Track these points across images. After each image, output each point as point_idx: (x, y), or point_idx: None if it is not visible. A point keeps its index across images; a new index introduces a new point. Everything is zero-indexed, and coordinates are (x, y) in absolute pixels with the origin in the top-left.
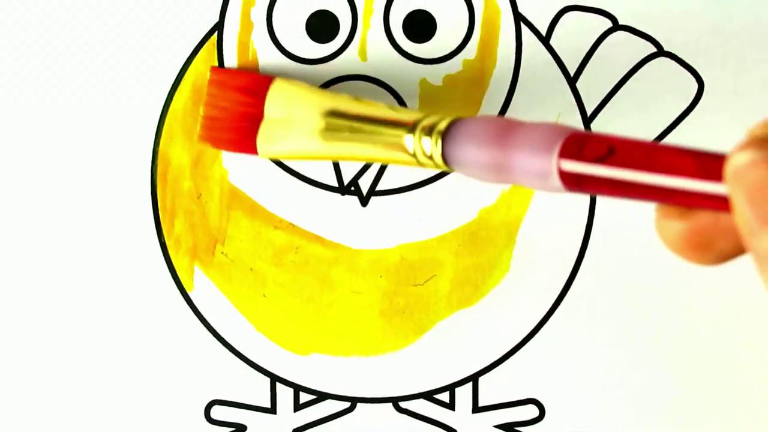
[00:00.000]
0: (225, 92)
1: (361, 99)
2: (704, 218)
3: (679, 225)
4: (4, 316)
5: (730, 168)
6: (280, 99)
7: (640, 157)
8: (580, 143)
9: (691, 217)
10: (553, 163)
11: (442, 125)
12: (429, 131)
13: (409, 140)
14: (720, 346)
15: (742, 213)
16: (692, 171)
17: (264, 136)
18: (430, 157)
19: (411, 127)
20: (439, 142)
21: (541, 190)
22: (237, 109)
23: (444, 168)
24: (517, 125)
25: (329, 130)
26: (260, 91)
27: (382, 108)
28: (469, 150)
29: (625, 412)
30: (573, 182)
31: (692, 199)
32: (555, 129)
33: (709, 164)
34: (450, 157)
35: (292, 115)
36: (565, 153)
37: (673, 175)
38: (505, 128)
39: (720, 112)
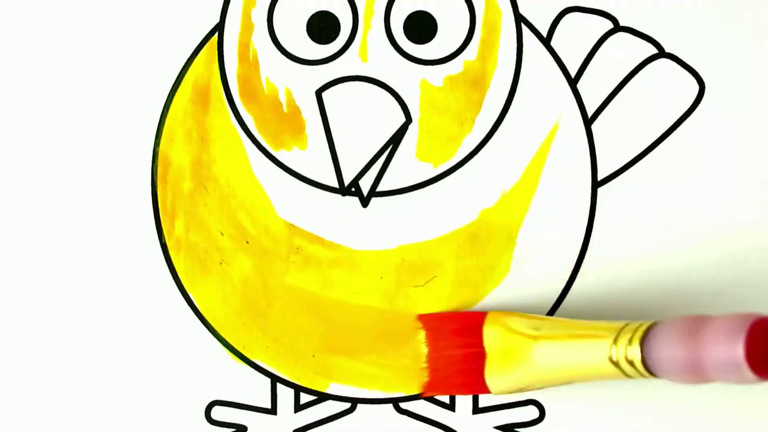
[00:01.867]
0: (444, 337)
1: (564, 321)
2: None
3: None
4: (4, 316)
5: None
6: (494, 333)
7: None
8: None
9: None
10: (740, 353)
11: (642, 331)
12: (630, 341)
13: (613, 353)
14: None
15: None
16: None
17: (491, 373)
18: (632, 363)
19: (614, 339)
20: (638, 349)
21: (741, 384)
22: (460, 352)
23: (648, 376)
24: (707, 319)
25: (543, 359)
26: (476, 330)
27: (584, 327)
28: (665, 353)
29: (624, 413)
30: (764, 370)
31: None
32: (741, 317)
33: None
34: (650, 362)
35: (509, 350)
36: (753, 340)
37: None
38: (697, 324)
39: (721, 113)
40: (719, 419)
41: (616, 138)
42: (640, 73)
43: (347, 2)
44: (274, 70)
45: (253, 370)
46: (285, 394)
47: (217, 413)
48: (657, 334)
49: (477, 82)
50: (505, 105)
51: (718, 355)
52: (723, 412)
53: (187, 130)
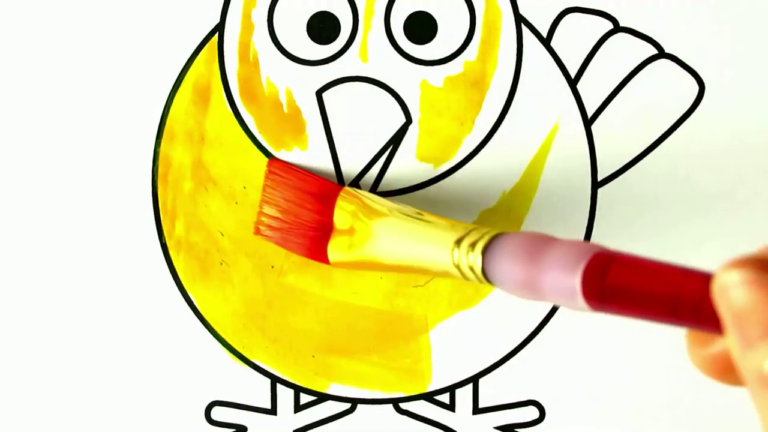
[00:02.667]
0: (290, 192)
1: (421, 213)
2: (724, 344)
3: (704, 351)
4: (4, 316)
5: (716, 285)
6: (345, 210)
7: (655, 277)
8: (606, 263)
9: (714, 344)
10: (577, 283)
11: (485, 240)
12: (472, 246)
13: (455, 254)
14: None
15: (729, 333)
16: (702, 291)
17: (334, 247)
18: (472, 270)
19: (457, 241)
20: (479, 257)
21: (570, 308)
22: (306, 215)
23: (486, 283)
24: (551, 242)
25: (388, 244)
26: (330, 199)
27: (436, 223)
28: (505, 267)
29: (624, 413)
30: (597, 301)
31: (700, 321)
32: (582, 247)
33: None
34: (489, 273)
35: (357, 228)
36: (589, 273)
37: (681, 295)
38: (539, 245)
39: (721, 113)
40: (719, 419)
41: (616, 138)
42: (640, 73)
43: (347, 2)
44: (274, 70)
45: (253, 370)
46: (285, 395)
47: (217, 413)
48: (500, 247)
49: (477, 83)
50: (505, 105)
51: (556, 280)
52: (723, 412)
53: (187, 131)
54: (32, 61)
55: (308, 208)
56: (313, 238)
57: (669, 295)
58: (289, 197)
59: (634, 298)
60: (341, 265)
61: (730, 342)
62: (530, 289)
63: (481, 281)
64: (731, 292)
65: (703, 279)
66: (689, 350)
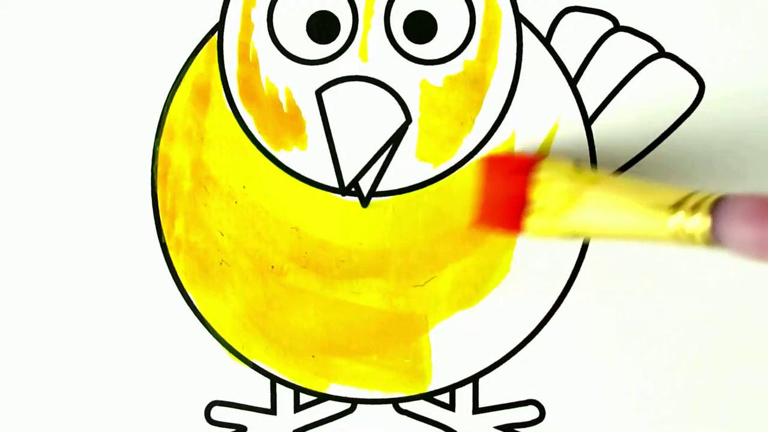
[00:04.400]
0: (496, 177)
1: (617, 178)
2: None
3: None
4: (4, 316)
5: None
6: (545, 182)
7: None
8: None
9: None
10: None
11: (710, 202)
12: (694, 209)
13: (673, 220)
14: (720, 346)
15: None
16: None
17: (534, 218)
18: (692, 236)
19: (675, 205)
20: (708, 219)
21: None
22: (507, 192)
23: (707, 246)
24: None
25: (591, 211)
26: (527, 173)
27: (640, 188)
28: (738, 228)
29: (624, 413)
30: None
31: None
32: None
33: None
34: (720, 235)
35: (556, 199)
36: None
37: None
38: None
39: (721, 112)
40: (719, 419)
41: (616, 138)
42: (640, 73)
43: (347, 2)
44: (274, 70)
45: (253, 370)
46: (285, 395)
47: (217, 413)
48: (730, 208)
49: (477, 82)
50: (505, 105)
51: None
52: (723, 413)
53: (187, 130)
54: (32, 61)
55: (506, 185)
56: (510, 212)
57: None
58: (488, 182)
59: None
60: (541, 234)
61: None
62: (761, 251)
63: (707, 243)
64: None
65: None
66: None
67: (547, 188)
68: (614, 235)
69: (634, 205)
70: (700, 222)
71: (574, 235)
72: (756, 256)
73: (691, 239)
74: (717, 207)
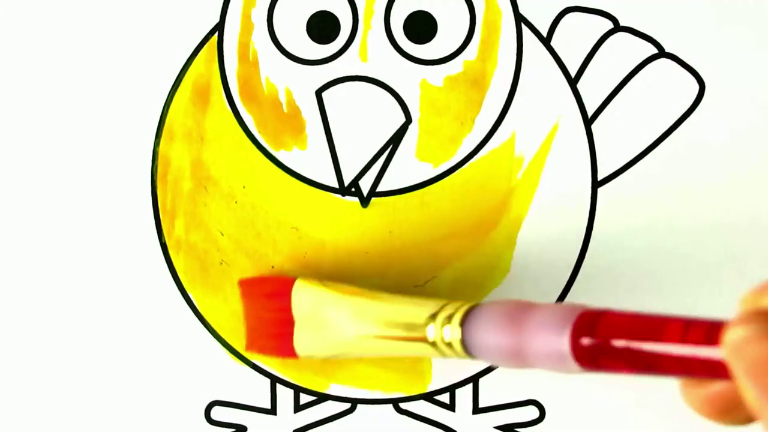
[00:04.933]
0: (255, 300)
1: (378, 295)
2: (723, 385)
3: (700, 392)
4: (4, 316)
5: (728, 343)
6: (303, 301)
7: (646, 331)
8: (593, 321)
9: (710, 384)
10: (565, 344)
11: (462, 312)
12: (449, 319)
13: (430, 331)
14: None
15: (745, 388)
16: (699, 340)
17: (299, 340)
18: (450, 345)
19: (432, 316)
20: (458, 330)
21: (559, 372)
22: (269, 315)
23: (465, 356)
24: (532, 307)
25: (356, 333)
26: (285, 294)
27: (402, 301)
28: (487, 336)
29: (624, 413)
30: (588, 361)
31: (700, 370)
32: (566, 309)
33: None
34: (470, 345)
35: (319, 319)
36: (577, 332)
37: (679, 345)
38: (521, 311)
39: (721, 113)
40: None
41: (616, 138)
42: (640, 73)
43: (347, 2)
44: (274, 70)
45: (252, 370)
46: (285, 395)
47: (217, 413)
48: (479, 317)
49: (477, 82)
50: (505, 105)
51: (543, 345)
52: None
53: (187, 130)
54: (32, 61)
55: (266, 308)
56: (276, 337)
57: (662, 348)
58: (248, 306)
59: (626, 354)
60: (313, 356)
61: (747, 395)
62: (516, 358)
63: (460, 356)
64: (746, 349)
65: (701, 327)
66: (683, 391)
67: (304, 310)
68: (379, 351)
69: (392, 318)
70: (453, 332)
71: (344, 356)
72: (507, 364)
73: (450, 350)
74: (468, 315)
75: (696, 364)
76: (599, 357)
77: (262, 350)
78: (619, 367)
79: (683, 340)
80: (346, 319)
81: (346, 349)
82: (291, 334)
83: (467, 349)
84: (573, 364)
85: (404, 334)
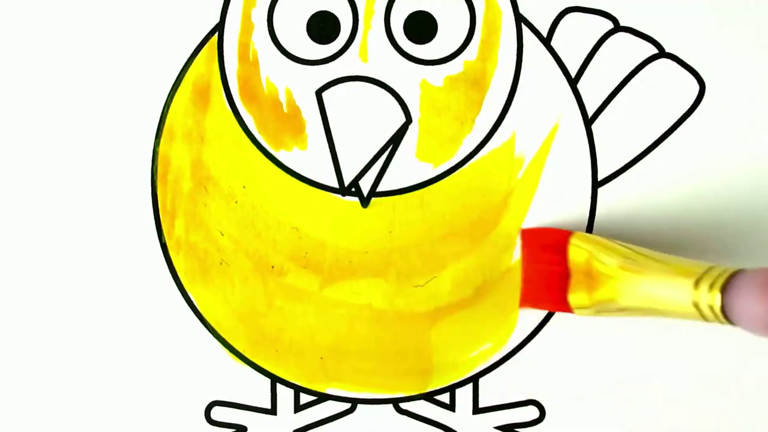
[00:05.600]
0: (533, 251)
1: (647, 256)
2: None
3: None
4: (4, 316)
5: None
6: (579, 256)
7: None
8: None
9: None
10: None
11: (723, 278)
12: (711, 286)
13: (695, 295)
14: (720, 346)
15: None
16: None
17: (575, 296)
18: (712, 309)
19: (696, 282)
20: (718, 296)
21: None
22: (547, 268)
23: (726, 323)
24: None
25: (628, 288)
26: (561, 248)
27: (673, 264)
28: (745, 305)
29: (624, 413)
30: None
31: None
32: None
33: None
34: (729, 312)
35: (594, 274)
36: None
37: None
38: None
39: (721, 113)
40: (719, 420)
41: (616, 138)
42: (640, 73)
43: (347, 2)
44: (274, 70)
45: (253, 370)
46: (285, 395)
47: (217, 413)
48: (739, 285)
49: (477, 82)
50: (505, 105)
51: None
52: (722, 413)
53: (187, 130)
54: (32, 61)
55: (544, 261)
56: (553, 290)
57: None
58: (527, 257)
59: None
60: (585, 312)
61: None
62: None
63: (722, 321)
64: None
65: None
66: None
67: (584, 264)
68: (642, 313)
69: (661, 280)
70: (714, 298)
71: (610, 312)
72: (763, 334)
73: (712, 315)
74: (729, 283)
75: None
76: None
77: (538, 303)
78: None
79: None
80: (620, 276)
81: (617, 306)
82: (566, 288)
83: (728, 316)
84: None
85: (671, 295)
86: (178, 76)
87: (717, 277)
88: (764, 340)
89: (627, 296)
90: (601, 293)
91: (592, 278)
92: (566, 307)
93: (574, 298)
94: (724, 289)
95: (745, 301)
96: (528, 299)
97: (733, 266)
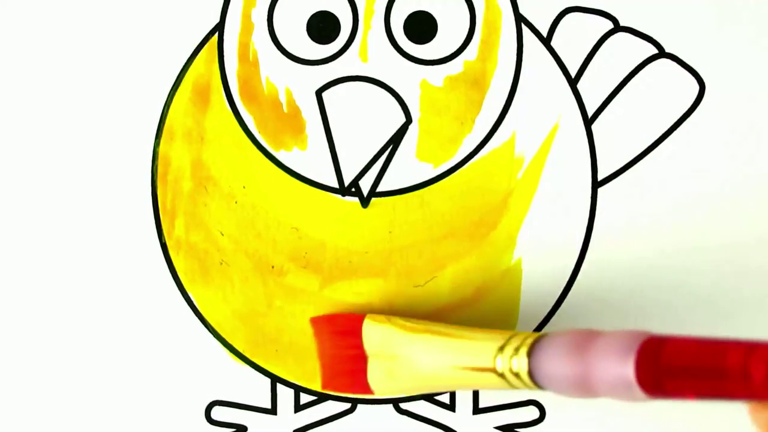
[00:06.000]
0: (326, 339)
1: (444, 329)
2: None
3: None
4: (4, 316)
5: None
6: (374, 334)
7: (711, 355)
8: (656, 347)
9: None
10: (630, 371)
11: (528, 343)
12: (516, 350)
13: (499, 362)
14: None
15: None
16: (761, 368)
17: (373, 376)
18: (518, 376)
19: (500, 348)
20: (525, 360)
21: (625, 400)
22: (342, 353)
23: (534, 387)
24: (597, 336)
25: (427, 369)
26: (356, 332)
27: (470, 334)
28: (553, 366)
29: (624, 414)
30: (654, 388)
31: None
32: (631, 336)
33: None
34: (537, 376)
35: (390, 356)
36: (641, 359)
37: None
38: (585, 340)
39: (721, 113)
40: (718, 420)
41: (616, 138)
42: (640, 73)
43: (347, 2)
44: (274, 70)
45: (253, 370)
46: (285, 394)
47: (217, 413)
48: (545, 347)
49: (477, 82)
50: (505, 105)
51: (608, 373)
52: (722, 414)
53: (187, 130)
54: (32, 61)
55: (340, 346)
56: (351, 373)
57: (728, 372)
58: (321, 345)
59: (690, 379)
60: (388, 394)
61: None
62: (582, 387)
63: (529, 386)
64: None
65: (762, 353)
66: (751, 413)
67: (375, 346)
68: (450, 385)
69: (462, 351)
70: (520, 363)
71: (414, 389)
72: (574, 394)
73: (519, 381)
74: (535, 346)
75: (760, 391)
76: (665, 383)
77: (338, 388)
78: (685, 394)
79: (744, 367)
80: (416, 355)
81: (419, 383)
82: (365, 370)
83: (534, 379)
84: (638, 392)
85: (474, 366)
86: (178, 76)
87: (522, 341)
88: None
89: (424, 370)
90: (400, 369)
91: (389, 358)
92: (368, 389)
93: (373, 379)
94: (530, 353)
95: (550, 363)
96: (329, 384)
97: (534, 333)
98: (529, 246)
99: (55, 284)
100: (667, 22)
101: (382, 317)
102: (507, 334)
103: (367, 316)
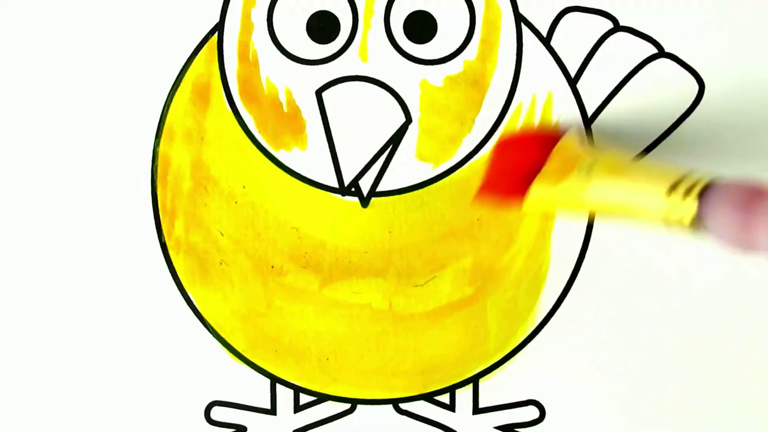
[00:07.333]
0: (511, 150)
1: (620, 159)
2: None
3: None
4: (4, 316)
5: None
6: (559, 156)
7: None
8: None
9: None
10: None
11: (699, 187)
12: (688, 192)
13: (667, 201)
14: (719, 347)
15: None
16: None
17: (540, 183)
18: (683, 218)
19: (672, 186)
20: (695, 203)
21: None
22: (519, 161)
23: (694, 230)
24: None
25: (596, 188)
26: (547, 148)
27: (639, 167)
28: (720, 213)
29: (624, 413)
30: None
31: None
32: None
33: None
34: (705, 221)
35: (561, 167)
36: None
37: None
38: (758, 192)
39: (721, 112)
40: (718, 420)
41: (616, 138)
42: (640, 73)
43: (347, 2)
44: (274, 70)
45: (253, 370)
46: (285, 395)
47: (217, 413)
48: (716, 194)
49: (477, 82)
50: (505, 104)
51: None
52: (722, 413)
53: (187, 130)
54: (32, 61)
55: (516, 156)
56: (517, 173)
57: None
58: (500, 154)
59: None
60: (538, 206)
61: None
62: (744, 239)
63: (694, 227)
64: None
65: None
66: None
67: (557, 157)
68: (608, 211)
69: (633, 182)
70: (690, 206)
71: (572, 207)
72: (736, 244)
73: (680, 222)
74: (706, 192)
75: None
76: None
77: (498, 191)
78: None
79: None
80: (588, 174)
81: (578, 196)
82: (532, 176)
83: (701, 224)
84: None
85: (642, 196)
86: (178, 76)
87: (694, 185)
88: (764, 346)
89: (595, 185)
90: (565, 184)
91: (564, 169)
92: (522, 194)
93: (536, 187)
94: (701, 197)
95: (719, 212)
96: (489, 185)
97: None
98: (529, 246)
99: (56, 284)
100: (667, 22)
101: (572, 141)
102: (682, 172)
103: (564, 137)
